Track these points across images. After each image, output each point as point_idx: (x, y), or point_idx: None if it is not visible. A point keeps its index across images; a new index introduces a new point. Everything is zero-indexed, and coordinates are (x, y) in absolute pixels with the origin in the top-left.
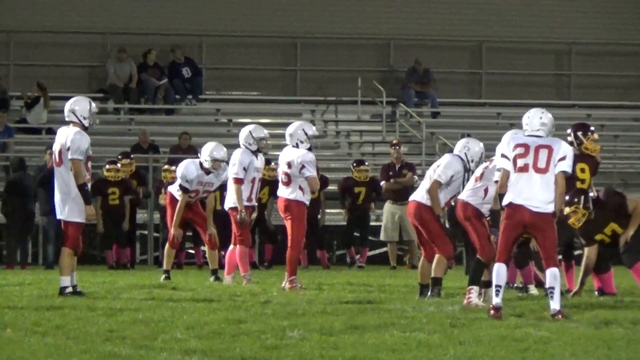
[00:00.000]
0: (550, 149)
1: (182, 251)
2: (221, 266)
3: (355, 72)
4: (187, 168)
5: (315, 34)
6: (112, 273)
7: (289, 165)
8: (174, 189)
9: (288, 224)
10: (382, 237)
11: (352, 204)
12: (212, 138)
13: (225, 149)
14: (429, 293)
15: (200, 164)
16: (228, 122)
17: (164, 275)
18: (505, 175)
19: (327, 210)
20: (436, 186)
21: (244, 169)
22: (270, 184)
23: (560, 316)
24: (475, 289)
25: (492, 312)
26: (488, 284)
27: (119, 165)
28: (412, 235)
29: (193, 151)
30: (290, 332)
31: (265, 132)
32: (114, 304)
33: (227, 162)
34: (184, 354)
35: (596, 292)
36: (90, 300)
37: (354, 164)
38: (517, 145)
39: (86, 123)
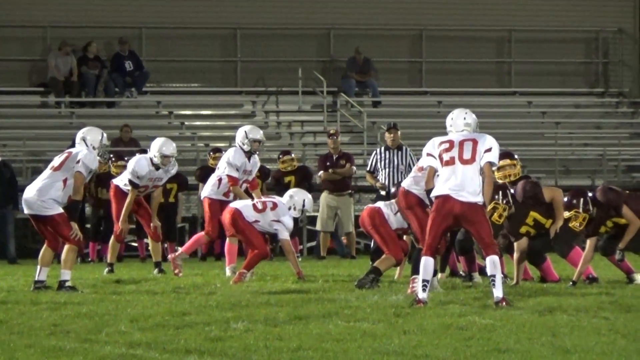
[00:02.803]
0: (474, 141)
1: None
2: (164, 259)
3: (296, 62)
4: (138, 163)
5: (255, 24)
6: (54, 267)
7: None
8: (120, 182)
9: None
10: (317, 227)
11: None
12: (153, 130)
13: (174, 145)
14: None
15: (150, 159)
16: (169, 115)
17: (107, 269)
18: (432, 172)
19: None
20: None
21: (237, 169)
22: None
23: (503, 303)
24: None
25: (418, 305)
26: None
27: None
28: (348, 227)
29: (134, 144)
30: (234, 323)
31: (260, 134)
32: (57, 298)
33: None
34: (129, 346)
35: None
36: (33, 295)
37: (280, 155)
38: (442, 142)
39: (95, 153)
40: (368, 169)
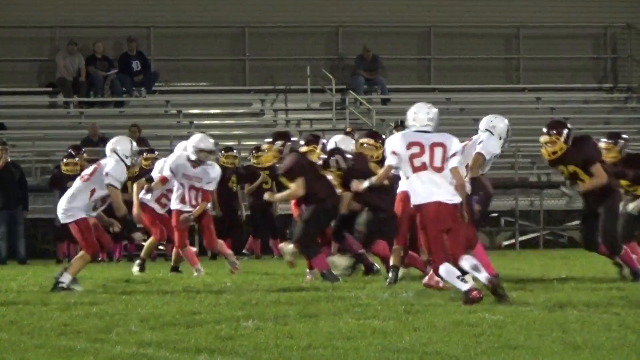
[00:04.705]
0: (444, 146)
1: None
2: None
3: (304, 60)
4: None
5: (263, 22)
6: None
7: None
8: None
9: None
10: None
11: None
12: (162, 130)
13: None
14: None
15: (187, 156)
16: (177, 114)
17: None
18: (389, 170)
19: None
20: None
21: (171, 170)
22: (237, 172)
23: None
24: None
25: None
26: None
27: (77, 159)
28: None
29: (144, 143)
30: (244, 322)
31: (206, 144)
32: (67, 298)
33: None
34: (139, 346)
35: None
36: (44, 295)
37: (222, 151)
38: (412, 144)
39: (128, 162)
40: None
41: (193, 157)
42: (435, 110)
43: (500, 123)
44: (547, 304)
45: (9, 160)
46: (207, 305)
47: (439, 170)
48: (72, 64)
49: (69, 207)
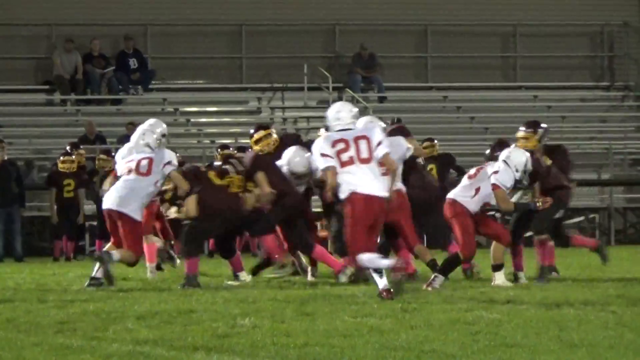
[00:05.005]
0: (367, 138)
1: None
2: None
3: (301, 58)
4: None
5: (260, 20)
6: (62, 265)
7: None
8: None
9: None
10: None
11: None
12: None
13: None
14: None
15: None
16: (174, 111)
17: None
18: (334, 172)
19: None
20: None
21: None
22: None
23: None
24: (440, 278)
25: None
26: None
27: (73, 156)
28: None
29: None
30: (241, 320)
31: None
32: (64, 295)
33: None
34: (136, 344)
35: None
36: (40, 293)
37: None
38: (336, 142)
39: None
40: None
41: (154, 143)
42: (356, 109)
43: (520, 157)
44: (544, 303)
45: (5, 158)
46: (204, 303)
47: (367, 161)
48: (69, 61)
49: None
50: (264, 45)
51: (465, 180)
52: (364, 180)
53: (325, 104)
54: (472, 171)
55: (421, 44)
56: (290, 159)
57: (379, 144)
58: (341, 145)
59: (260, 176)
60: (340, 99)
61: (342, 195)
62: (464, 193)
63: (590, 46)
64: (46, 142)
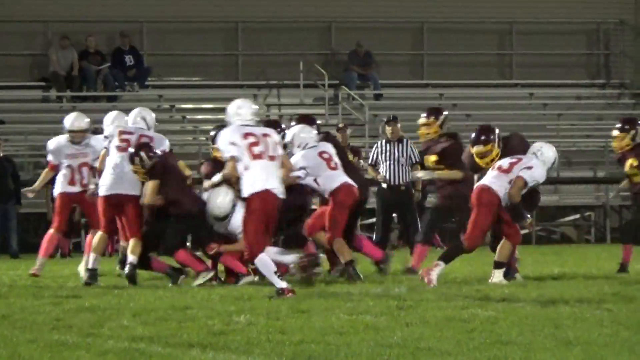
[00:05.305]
0: (271, 136)
1: None
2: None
3: (297, 55)
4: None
5: (256, 17)
6: (58, 262)
7: None
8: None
9: None
10: None
11: None
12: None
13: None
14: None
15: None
16: (170, 108)
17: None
18: (235, 163)
19: None
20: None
21: (52, 153)
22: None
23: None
24: (442, 265)
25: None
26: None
27: None
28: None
29: None
30: (236, 317)
31: (82, 124)
32: (59, 292)
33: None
34: (131, 341)
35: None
36: (36, 289)
37: None
38: (247, 134)
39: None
40: (370, 162)
41: (152, 122)
42: (256, 106)
43: (549, 151)
44: (540, 300)
45: (1, 154)
46: (200, 300)
47: (273, 159)
48: (64, 58)
49: None
50: (259, 42)
51: (494, 172)
52: (270, 178)
53: (321, 101)
54: (505, 165)
55: (417, 41)
56: (210, 198)
57: (278, 144)
58: (252, 139)
59: (152, 184)
60: (336, 96)
61: (247, 189)
62: (500, 183)
63: (586, 44)
64: (42, 139)
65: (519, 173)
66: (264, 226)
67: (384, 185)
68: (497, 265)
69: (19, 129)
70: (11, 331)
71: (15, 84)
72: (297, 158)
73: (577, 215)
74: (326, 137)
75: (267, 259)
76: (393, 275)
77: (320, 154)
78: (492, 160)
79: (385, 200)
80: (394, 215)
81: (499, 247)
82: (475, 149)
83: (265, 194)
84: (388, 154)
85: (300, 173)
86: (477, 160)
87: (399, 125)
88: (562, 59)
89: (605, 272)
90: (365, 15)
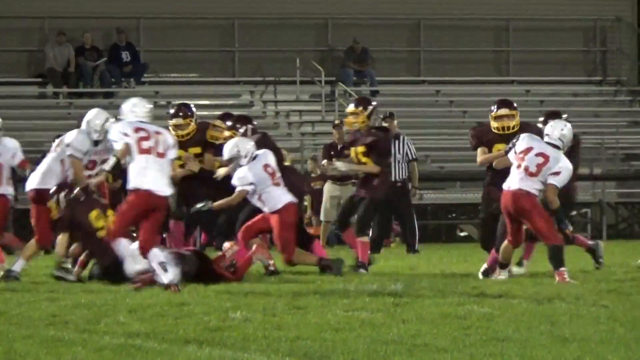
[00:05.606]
0: (163, 135)
1: None
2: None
3: (294, 52)
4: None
5: (253, 14)
6: (54, 257)
7: None
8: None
9: None
10: (321, 216)
11: None
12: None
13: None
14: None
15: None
16: (167, 105)
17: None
18: (126, 151)
19: None
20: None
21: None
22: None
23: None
24: (564, 269)
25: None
26: (503, 266)
27: None
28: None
29: None
30: (233, 313)
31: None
32: (55, 288)
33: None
34: (127, 337)
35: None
36: (32, 285)
37: None
38: (138, 129)
39: (95, 137)
40: None
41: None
42: (151, 106)
43: (570, 133)
44: (536, 297)
45: None
46: (196, 296)
47: (162, 156)
48: (61, 54)
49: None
50: (256, 38)
51: (521, 173)
52: (155, 175)
53: (317, 98)
54: (532, 168)
55: (414, 38)
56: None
57: (172, 146)
58: (143, 133)
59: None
60: (332, 92)
61: (130, 182)
62: (529, 184)
63: (583, 41)
64: (38, 135)
65: (549, 180)
66: (134, 221)
67: None
68: (502, 265)
69: (16, 125)
70: (7, 327)
71: (11, 80)
72: (245, 173)
73: (574, 212)
74: (264, 138)
75: (127, 243)
76: (391, 271)
77: (265, 167)
78: (512, 128)
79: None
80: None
81: (502, 248)
82: (502, 111)
83: (146, 194)
84: None
85: (248, 188)
86: (498, 125)
87: (395, 121)
88: (559, 56)
89: (601, 269)
90: (361, 11)
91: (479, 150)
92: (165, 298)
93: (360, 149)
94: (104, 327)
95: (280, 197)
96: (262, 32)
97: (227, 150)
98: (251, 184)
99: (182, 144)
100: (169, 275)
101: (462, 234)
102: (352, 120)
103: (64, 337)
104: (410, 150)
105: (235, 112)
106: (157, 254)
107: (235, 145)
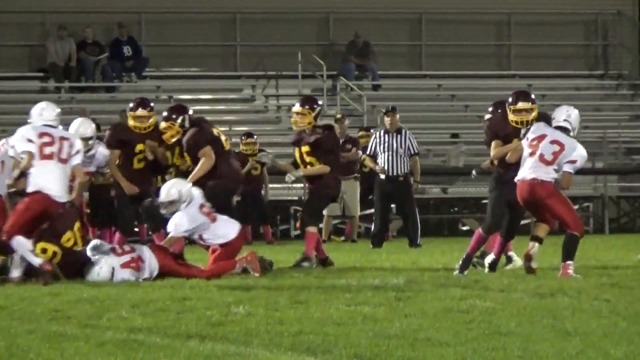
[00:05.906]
0: (69, 140)
1: None
2: None
3: (295, 46)
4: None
5: (255, 8)
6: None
7: None
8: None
9: None
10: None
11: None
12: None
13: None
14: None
15: None
16: (169, 99)
17: None
18: (31, 157)
19: (270, 185)
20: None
21: None
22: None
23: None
24: (571, 263)
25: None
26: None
27: None
28: (354, 211)
29: None
30: (235, 308)
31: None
32: (57, 283)
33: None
34: (130, 332)
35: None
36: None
37: (242, 137)
38: (42, 134)
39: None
40: (368, 152)
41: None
42: (59, 110)
43: (575, 115)
44: (538, 291)
45: None
46: (198, 291)
47: (64, 162)
48: (62, 49)
49: None
50: (258, 33)
51: (535, 161)
52: (53, 181)
53: (319, 92)
54: (548, 156)
55: (415, 32)
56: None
57: (77, 152)
58: (47, 139)
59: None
60: (334, 87)
61: (29, 186)
62: (545, 171)
63: (584, 35)
64: None
65: (565, 168)
66: (30, 223)
67: (382, 176)
68: (535, 239)
69: (17, 120)
70: (9, 322)
71: (13, 74)
72: (182, 220)
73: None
74: (201, 125)
75: (23, 239)
76: (392, 267)
77: (200, 208)
78: (529, 122)
79: (383, 191)
80: (393, 206)
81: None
82: (521, 104)
83: (44, 198)
84: (387, 144)
85: (185, 234)
86: (517, 119)
87: (397, 116)
88: (560, 50)
89: (603, 263)
90: (363, 5)
91: (493, 143)
92: (168, 293)
93: (305, 148)
94: (106, 322)
95: (226, 233)
96: (263, 27)
97: (165, 193)
98: (186, 231)
99: (142, 137)
100: (39, 259)
101: (464, 228)
102: (298, 120)
103: (66, 332)
104: (412, 144)
105: (237, 107)
106: (23, 242)
107: (174, 187)
